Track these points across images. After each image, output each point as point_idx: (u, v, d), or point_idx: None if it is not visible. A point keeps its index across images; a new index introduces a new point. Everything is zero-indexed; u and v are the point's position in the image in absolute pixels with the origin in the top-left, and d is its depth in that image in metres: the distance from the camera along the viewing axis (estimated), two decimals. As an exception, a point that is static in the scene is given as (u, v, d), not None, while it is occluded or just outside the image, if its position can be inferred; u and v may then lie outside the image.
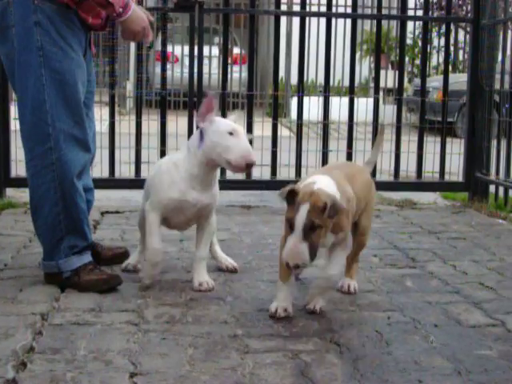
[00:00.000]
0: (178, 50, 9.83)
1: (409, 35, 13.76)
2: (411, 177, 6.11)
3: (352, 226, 3.07)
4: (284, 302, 2.93)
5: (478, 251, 4.19)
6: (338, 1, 7.63)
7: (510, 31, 5.81)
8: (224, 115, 5.50)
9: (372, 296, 3.28)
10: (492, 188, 5.82)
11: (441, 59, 7.67)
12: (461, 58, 15.11)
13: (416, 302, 3.18)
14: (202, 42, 5.49)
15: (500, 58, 5.91)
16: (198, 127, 3.22)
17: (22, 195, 5.17)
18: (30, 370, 2.36)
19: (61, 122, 3.16)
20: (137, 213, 5.04)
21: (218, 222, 3.68)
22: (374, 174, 5.47)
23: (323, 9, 6.41)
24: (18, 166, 4.99)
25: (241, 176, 5.45)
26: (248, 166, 3.09)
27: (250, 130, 5.53)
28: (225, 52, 5.69)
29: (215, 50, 9.47)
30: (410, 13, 6.65)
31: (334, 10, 6.27)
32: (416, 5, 9.49)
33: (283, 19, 6.25)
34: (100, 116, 5.62)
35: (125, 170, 5.61)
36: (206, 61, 5.84)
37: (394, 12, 8.81)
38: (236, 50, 12.59)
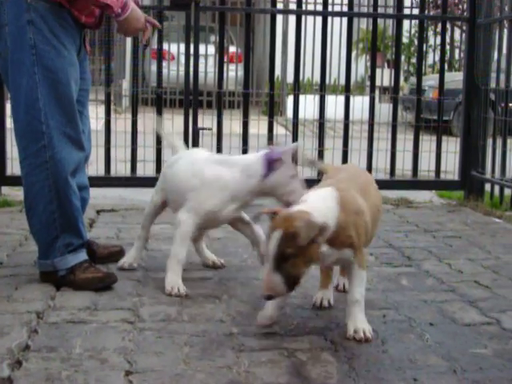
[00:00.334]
0: (174, 48, 9.83)
1: (405, 34, 13.79)
2: (407, 175, 6.12)
3: None
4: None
5: (473, 250, 4.20)
6: (334, -1, 7.63)
7: (505, 30, 5.81)
8: (220, 113, 5.51)
9: (367, 294, 3.27)
10: (487, 186, 5.83)
11: (437, 58, 7.67)
12: (457, 56, 15.12)
13: (411, 301, 3.19)
14: (198, 40, 5.49)
15: (496, 56, 5.91)
16: (266, 157, 3.20)
17: (18, 193, 5.16)
18: (26, 369, 2.35)
19: (54, 121, 3.16)
20: (132, 211, 5.07)
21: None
22: (369, 172, 5.47)
23: (319, 7, 6.42)
24: (14, 164, 4.98)
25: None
26: None
27: (245, 128, 5.54)
28: (221, 50, 5.69)
29: (211, 49, 9.45)
30: (406, 11, 6.62)
31: (330, 8, 6.27)
32: (412, 3, 9.48)
33: (279, 18, 6.26)
34: (96, 114, 5.63)
35: (120, 168, 5.61)
36: (202, 59, 5.84)
37: (390, 10, 8.80)
38: (232, 49, 12.62)
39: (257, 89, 12.75)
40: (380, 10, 6.76)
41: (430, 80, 10.81)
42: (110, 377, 2.31)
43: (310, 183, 3.23)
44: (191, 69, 5.48)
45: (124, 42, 10.64)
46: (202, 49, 6.42)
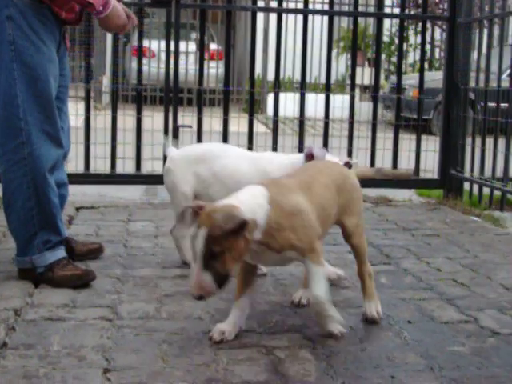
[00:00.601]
0: (154, 45, 9.82)
1: (385, 32, 13.86)
2: (387, 174, 6.12)
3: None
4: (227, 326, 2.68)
5: (451, 248, 4.22)
6: (315, -3, 7.64)
7: (485, 29, 5.84)
8: (200, 111, 5.50)
9: (346, 292, 3.29)
10: (466, 185, 5.86)
11: (417, 57, 7.70)
12: (437, 55, 15.22)
13: (390, 299, 3.20)
14: (179, 37, 5.47)
15: (475, 56, 5.95)
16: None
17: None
18: (3, 366, 2.34)
19: (32, 117, 3.14)
20: (112, 208, 5.06)
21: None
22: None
23: (300, 5, 6.43)
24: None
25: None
26: None
27: (226, 126, 5.53)
28: (201, 48, 5.68)
29: (192, 46, 9.44)
30: (387, 10, 6.66)
31: (310, 6, 6.29)
32: (393, 2, 9.53)
33: (260, 15, 6.25)
34: (76, 110, 5.60)
35: (100, 166, 5.59)
36: (182, 56, 5.83)
37: (371, 9, 8.85)
38: (213, 46, 12.61)
39: (237, 86, 12.74)
40: (361, 9, 6.77)
41: (411, 79, 10.87)
42: (88, 374, 2.30)
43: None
44: (172, 66, 5.47)
45: (104, 38, 10.61)
46: (182, 46, 6.41)
